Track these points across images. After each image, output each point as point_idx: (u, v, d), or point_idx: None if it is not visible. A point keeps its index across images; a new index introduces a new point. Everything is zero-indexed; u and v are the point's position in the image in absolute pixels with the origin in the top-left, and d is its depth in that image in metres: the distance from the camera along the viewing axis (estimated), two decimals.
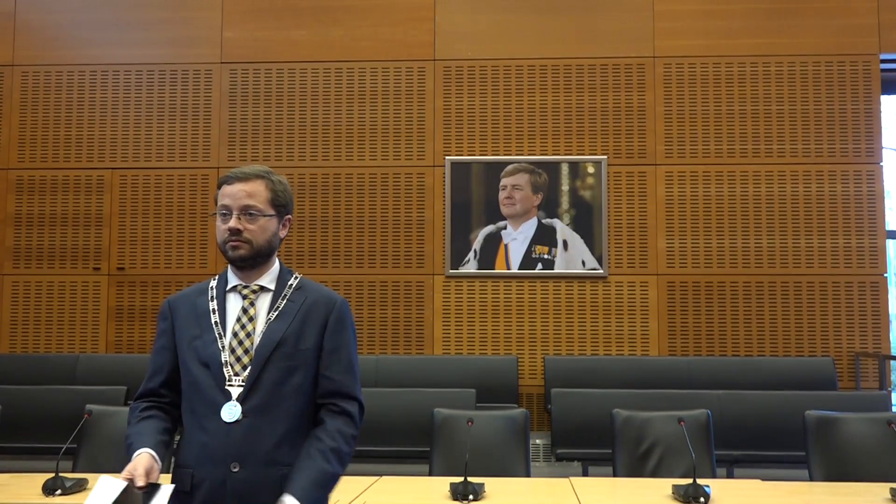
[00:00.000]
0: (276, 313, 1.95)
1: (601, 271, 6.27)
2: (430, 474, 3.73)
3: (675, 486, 3.05)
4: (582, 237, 6.30)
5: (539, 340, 6.27)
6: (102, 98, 6.64)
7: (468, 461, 3.27)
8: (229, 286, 2.00)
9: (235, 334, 1.92)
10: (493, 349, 6.28)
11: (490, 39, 6.49)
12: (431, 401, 4.54)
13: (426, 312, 6.34)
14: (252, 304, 1.96)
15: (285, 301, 1.97)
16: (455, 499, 3.00)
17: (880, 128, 6.31)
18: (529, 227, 6.32)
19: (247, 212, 1.94)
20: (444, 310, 6.33)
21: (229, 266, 2.02)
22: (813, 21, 6.38)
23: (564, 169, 6.35)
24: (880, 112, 6.32)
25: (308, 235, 6.44)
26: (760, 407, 5.14)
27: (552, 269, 6.28)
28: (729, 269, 6.26)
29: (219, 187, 2.00)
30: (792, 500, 3.07)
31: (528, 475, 3.75)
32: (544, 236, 6.32)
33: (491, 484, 3.19)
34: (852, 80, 6.32)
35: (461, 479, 3.06)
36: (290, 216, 2.06)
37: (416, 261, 6.39)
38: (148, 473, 1.73)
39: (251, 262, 1.96)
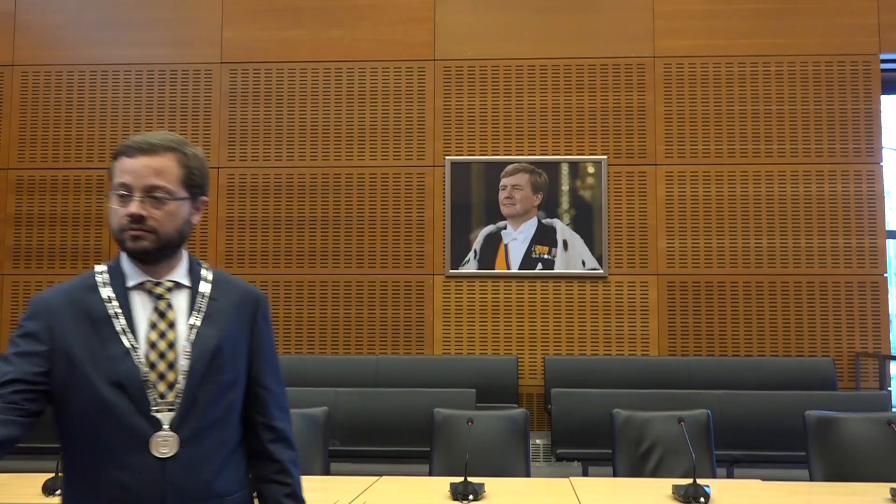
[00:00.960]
0: (201, 316, 1.60)
1: (601, 271, 6.27)
2: (430, 474, 3.73)
3: (675, 486, 3.05)
4: (582, 237, 6.30)
5: (539, 340, 6.27)
6: (102, 98, 6.64)
7: (468, 461, 3.27)
8: (131, 282, 1.60)
9: (153, 345, 1.55)
10: (493, 349, 6.28)
11: (490, 39, 6.49)
12: (431, 401, 4.54)
13: (426, 312, 6.34)
14: (169, 305, 1.60)
15: (207, 300, 1.63)
16: (455, 499, 3.00)
17: (880, 128, 6.31)
18: (529, 227, 6.32)
19: (152, 194, 1.57)
20: (444, 310, 6.33)
21: (123, 256, 1.63)
22: (813, 21, 6.38)
23: (564, 169, 6.35)
24: (880, 112, 6.32)
25: (308, 235, 6.44)
26: (760, 407, 5.14)
27: (552, 269, 6.28)
28: (729, 269, 6.26)
29: (115, 158, 1.61)
30: (792, 500, 3.07)
31: (528, 475, 3.75)
32: (544, 236, 6.32)
33: (491, 484, 3.19)
34: (852, 80, 6.32)
35: (461, 479, 3.06)
36: (205, 198, 1.68)
37: (416, 261, 6.40)
38: None
39: (155, 256, 1.59)
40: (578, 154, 6.38)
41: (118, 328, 1.55)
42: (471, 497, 2.98)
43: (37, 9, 6.73)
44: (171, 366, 1.54)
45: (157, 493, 1.49)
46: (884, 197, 6.30)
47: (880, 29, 6.35)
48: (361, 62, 6.55)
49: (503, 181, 6.36)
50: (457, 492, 3.01)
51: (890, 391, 5.89)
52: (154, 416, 1.51)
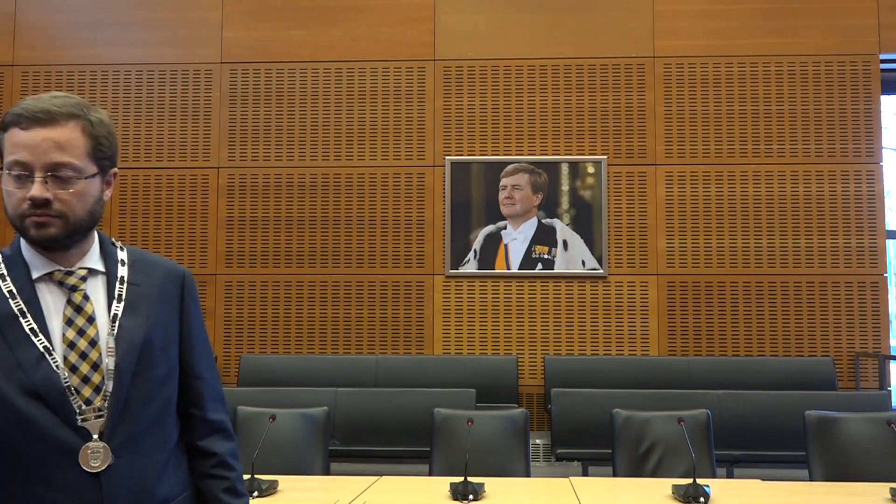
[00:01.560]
0: (122, 305, 1.40)
1: (601, 271, 6.27)
2: (430, 474, 3.73)
3: (675, 486, 3.05)
4: (582, 237, 6.30)
5: (539, 340, 6.27)
6: (102, 98, 6.64)
7: (468, 461, 3.27)
8: (37, 273, 1.38)
9: (72, 345, 1.34)
10: (493, 349, 6.28)
11: (490, 39, 6.49)
12: (431, 401, 4.54)
13: (426, 312, 6.34)
14: (86, 297, 1.38)
15: (127, 286, 1.42)
16: (455, 499, 3.00)
17: (880, 128, 6.31)
18: (529, 227, 6.32)
19: (56, 172, 1.33)
20: (444, 310, 6.33)
21: (23, 242, 1.40)
22: (813, 21, 6.38)
23: (564, 169, 6.35)
24: (880, 112, 6.32)
25: (308, 235, 6.44)
26: (760, 407, 5.14)
27: (552, 269, 6.28)
28: (729, 269, 6.26)
29: (3, 129, 1.35)
30: (792, 500, 3.07)
31: (528, 475, 3.75)
32: (544, 236, 6.32)
33: (491, 484, 3.19)
34: (852, 80, 6.32)
35: (461, 479, 3.06)
36: (116, 169, 1.44)
37: (416, 261, 6.40)
38: None
39: (64, 244, 1.37)
40: (578, 154, 6.38)
41: (27, 328, 1.32)
42: (471, 497, 2.98)
43: (37, 9, 6.73)
44: (96, 366, 1.34)
45: None
46: (884, 197, 6.30)
47: (880, 29, 6.35)
48: (361, 62, 6.55)
49: (503, 181, 6.36)
50: (457, 492, 3.01)
51: (890, 391, 5.89)
52: (81, 427, 1.32)
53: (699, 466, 3.50)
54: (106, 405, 1.34)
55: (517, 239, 6.33)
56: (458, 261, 6.34)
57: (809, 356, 6.14)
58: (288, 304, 6.40)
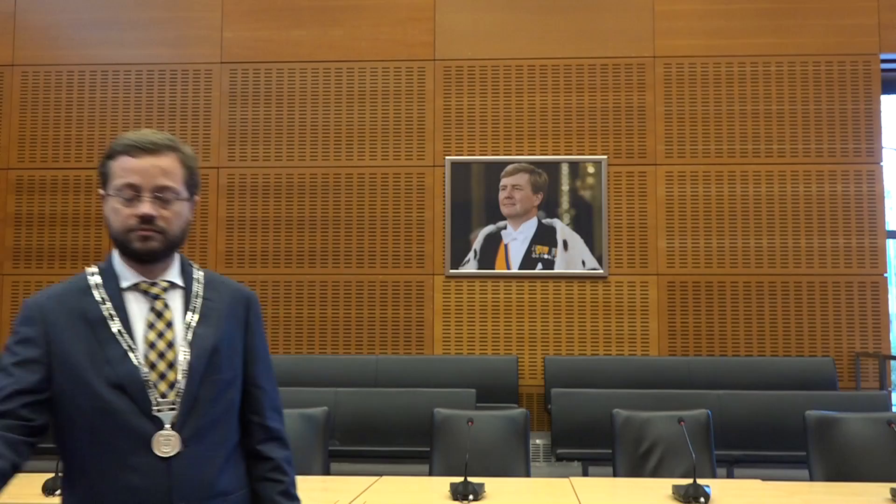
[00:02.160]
0: (196, 316, 1.62)
1: (601, 271, 6.27)
2: (430, 474, 3.73)
3: (675, 486, 3.05)
4: (582, 237, 6.30)
5: (539, 340, 6.27)
6: (102, 98, 6.64)
7: (468, 461, 3.27)
8: (125, 283, 1.60)
9: (152, 345, 1.55)
10: (493, 349, 6.28)
11: (490, 39, 6.49)
12: (431, 401, 4.54)
13: (426, 312, 6.34)
14: (166, 305, 1.60)
15: (201, 300, 1.64)
16: (455, 499, 3.00)
17: (880, 128, 6.31)
18: (529, 227, 6.32)
19: (162, 194, 1.58)
20: (444, 310, 6.33)
21: (117, 256, 1.63)
22: (813, 21, 6.38)
23: (564, 169, 6.35)
24: (880, 112, 6.32)
25: (308, 235, 6.44)
26: (760, 407, 5.14)
27: (552, 269, 6.28)
28: (729, 269, 6.26)
29: (110, 158, 1.60)
30: (792, 500, 3.07)
31: (528, 475, 3.75)
32: (544, 236, 6.31)
33: (491, 484, 3.19)
34: (852, 80, 6.32)
35: (461, 479, 3.06)
36: (198, 197, 1.72)
37: (416, 261, 6.39)
38: None
39: (159, 257, 1.60)
40: (578, 154, 6.38)
41: (114, 329, 1.55)
42: (471, 497, 2.98)
43: (37, 9, 6.72)
44: (171, 365, 1.55)
45: (165, 491, 1.50)
46: (884, 197, 6.30)
47: (880, 29, 6.35)
48: (361, 62, 6.55)
49: (503, 181, 6.36)
50: (457, 492, 3.01)
51: (890, 391, 5.89)
52: (156, 416, 1.52)
53: (699, 466, 3.50)
54: (178, 399, 1.54)
55: (517, 239, 6.33)
56: (458, 261, 6.34)
57: (809, 356, 6.14)
58: (288, 304, 6.40)
